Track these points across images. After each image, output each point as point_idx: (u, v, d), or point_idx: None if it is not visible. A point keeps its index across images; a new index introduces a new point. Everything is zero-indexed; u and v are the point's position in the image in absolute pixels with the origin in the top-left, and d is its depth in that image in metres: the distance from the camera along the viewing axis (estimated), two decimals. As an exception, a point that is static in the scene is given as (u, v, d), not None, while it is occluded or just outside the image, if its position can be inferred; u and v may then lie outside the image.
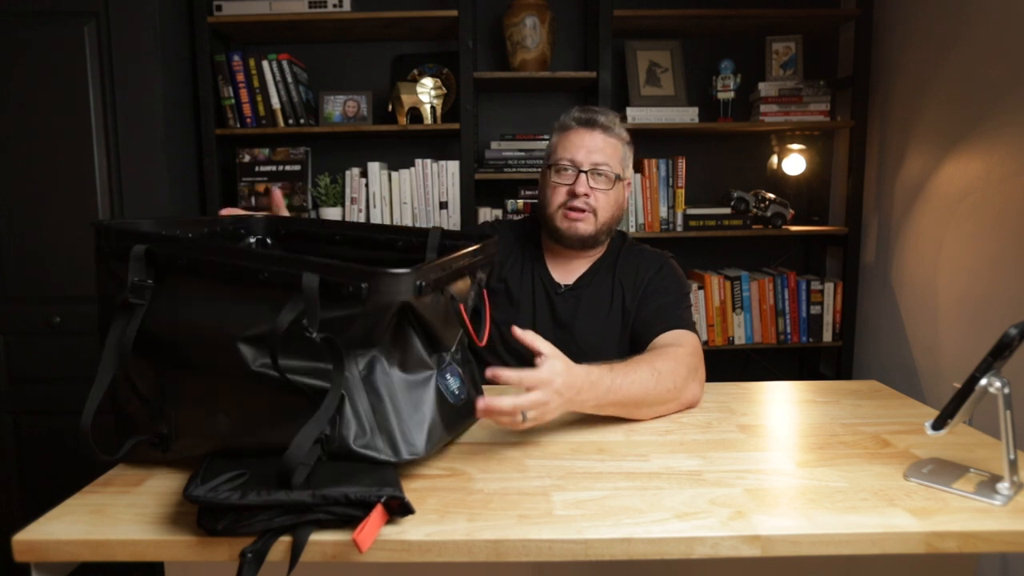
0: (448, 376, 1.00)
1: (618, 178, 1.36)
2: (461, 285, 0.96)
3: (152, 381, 0.89)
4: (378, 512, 0.73)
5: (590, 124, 1.36)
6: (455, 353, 1.01)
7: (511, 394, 0.94)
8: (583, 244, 1.38)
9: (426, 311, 0.87)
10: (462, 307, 0.93)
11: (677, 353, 1.18)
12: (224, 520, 0.72)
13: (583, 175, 1.33)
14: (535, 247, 1.46)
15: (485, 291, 1.03)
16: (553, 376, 0.95)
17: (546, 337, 1.37)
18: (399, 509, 0.76)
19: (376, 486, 0.75)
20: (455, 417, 0.97)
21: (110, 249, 0.89)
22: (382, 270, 0.79)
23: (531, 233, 1.48)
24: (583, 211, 1.34)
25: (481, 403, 0.90)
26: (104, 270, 0.91)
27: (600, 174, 1.34)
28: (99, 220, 0.92)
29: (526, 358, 1.38)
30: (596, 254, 1.44)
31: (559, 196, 1.36)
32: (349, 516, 0.74)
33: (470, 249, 0.97)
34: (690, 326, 1.31)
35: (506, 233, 1.49)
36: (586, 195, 1.33)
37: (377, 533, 0.73)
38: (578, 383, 1.00)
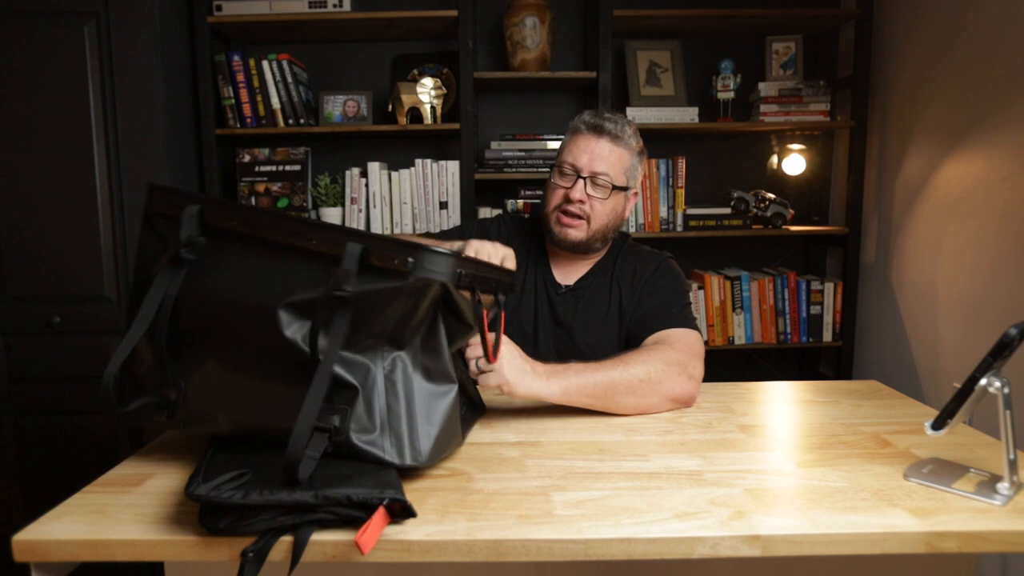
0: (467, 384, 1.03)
1: (616, 188, 1.35)
2: (486, 299, 0.97)
3: (170, 346, 0.89)
4: (380, 514, 0.73)
5: (597, 131, 1.35)
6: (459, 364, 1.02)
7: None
8: (574, 249, 1.38)
9: (460, 313, 0.88)
10: (485, 312, 0.95)
11: (653, 349, 1.20)
12: (226, 519, 0.72)
13: (581, 181, 1.33)
14: (539, 247, 1.47)
15: (503, 313, 1.05)
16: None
17: (547, 336, 1.40)
18: (401, 512, 0.76)
19: (378, 488, 0.75)
20: (463, 427, 0.98)
21: (159, 209, 0.90)
22: (428, 246, 0.82)
23: (536, 232, 1.49)
24: (577, 217, 1.34)
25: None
26: (149, 230, 0.92)
27: (598, 183, 1.34)
28: (151, 181, 0.96)
29: (529, 343, 1.39)
30: (597, 256, 1.45)
31: (556, 198, 1.36)
32: (351, 517, 0.74)
33: (497, 266, 1.01)
34: (687, 323, 1.31)
35: (513, 231, 1.50)
36: (581, 201, 1.33)
37: (379, 535, 0.73)
38: (530, 359, 1.11)
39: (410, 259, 0.80)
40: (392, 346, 0.85)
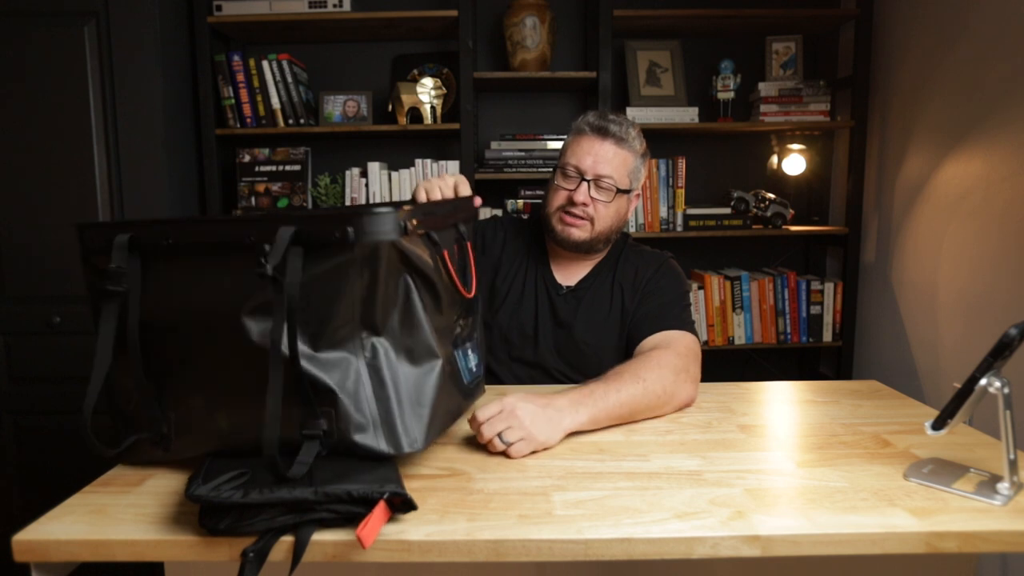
0: (469, 351, 1.00)
1: (619, 191, 1.35)
2: (445, 236, 0.95)
3: (151, 379, 0.88)
4: (381, 508, 0.73)
5: (602, 132, 1.34)
6: (470, 327, 1.00)
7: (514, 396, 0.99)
8: (577, 249, 1.38)
9: (423, 265, 0.86)
10: (446, 253, 0.92)
11: (661, 357, 1.18)
12: (226, 519, 0.72)
13: (585, 183, 1.32)
14: (540, 248, 1.46)
15: (468, 244, 1.03)
16: (506, 396, 1.00)
17: (547, 336, 1.40)
18: (402, 506, 0.76)
19: (378, 483, 0.75)
20: (459, 401, 0.97)
21: (94, 246, 0.88)
22: (365, 210, 0.79)
23: (537, 233, 1.48)
24: (580, 219, 1.34)
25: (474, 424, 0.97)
26: (90, 269, 0.90)
27: (602, 186, 1.33)
28: (81, 221, 0.93)
29: (532, 363, 1.39)
30: (598, 257, 1.44)
31: (559, 199, 1.36)
32: (352, 514, 0.74)
33: (448, 200, 0.97)
34: (685, 326, 1.30)
35: (513, 232, 1.49)
36: (584, 204, 1.32)
37: (380, 529, 0.73)
38: (546, 394, 1.02)
39: (349, 228, 0.78)
40: (370, 332, 0.83)
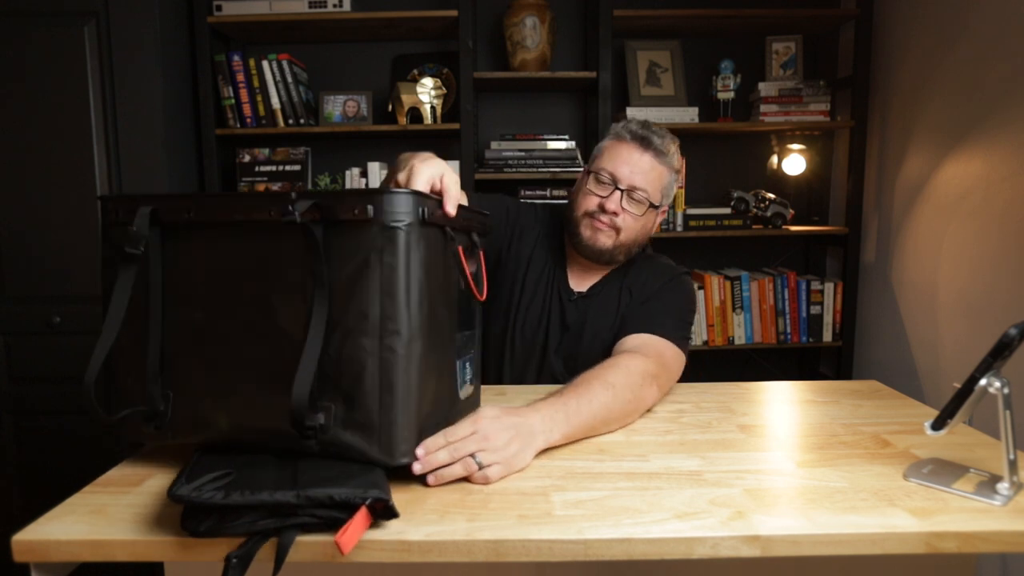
0: (467, 364, 1.00)
1: (652, 206, 1.32)
2: (459, 237, 0.94)
3: (154, 355, 0.87)
4: (362, 514, 0.72)
5: (644, 143, 1.30)
6: (470, 341, 1.00)
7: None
8: (599, 257, 1.34)
9: (435, 257, 0.85)
10: (460, 250, 0.90)
11: (629, 361, 1.13)
12: (207, 521, 0.71)
13: (618, 192, 1.29)
14: (559, 249, 1.43)
15: (481, 252, 1.01)
16: (478, 413, 0.92)
17: (553, 340, 1.38)
18: (383, 512, 0.74)
19: (362, 488, 0.74)
20: (454, 416, 0.96)
21: (116, 218, 0.88)
22: (385, 189, 0.80)
23: (559, 234, 1.44)
24: (607, 225, 1.31)
25: (416, 466, 0.84)
26: (108, 244, 0.90)
27: (635, 198, 1.30)
28: (104, 194, 0.92)
29: (541, 367, 1.38)
30: (614, 265, 1.41)
31: (589, 204, 1.32)
32: (333, 519, 0.72)
33: (467, 205, 0.97)
34: (672, 337, 1.24)
35: (531, 220, 1.45)
36: (615, 213, 1.29)
37: (361, 535, 0.72)
38: (520, 410, 0.95)
39: (369, 206, 0.78)
40: (379, 332, 0.81)
